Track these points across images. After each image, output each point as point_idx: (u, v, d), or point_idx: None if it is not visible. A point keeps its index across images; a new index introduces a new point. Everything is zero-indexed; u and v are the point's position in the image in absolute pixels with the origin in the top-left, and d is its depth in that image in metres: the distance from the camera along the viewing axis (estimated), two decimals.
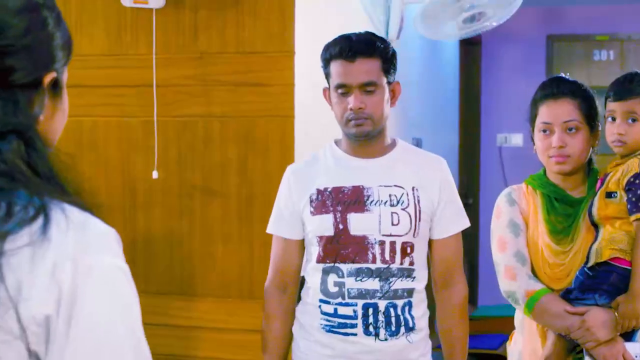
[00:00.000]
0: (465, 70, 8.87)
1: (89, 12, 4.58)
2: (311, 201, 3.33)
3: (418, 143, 6.36)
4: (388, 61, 3.29)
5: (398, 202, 3.28)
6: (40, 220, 1.36)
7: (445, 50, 8.16)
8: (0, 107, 1.40)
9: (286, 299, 3.46)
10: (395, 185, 3.31)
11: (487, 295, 8.85)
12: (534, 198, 3.39)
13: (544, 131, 3.32)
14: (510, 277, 3.32)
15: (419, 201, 3.30)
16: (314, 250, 3.34)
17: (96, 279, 1.37)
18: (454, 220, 3.41)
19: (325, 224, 3.29)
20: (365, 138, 3.30)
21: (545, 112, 3.32)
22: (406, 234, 3.27)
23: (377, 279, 3.24)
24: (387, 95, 3.29)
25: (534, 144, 3.41)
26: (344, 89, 3.26)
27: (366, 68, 3.24)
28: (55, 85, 1.51)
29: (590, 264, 3.17)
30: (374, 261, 3.25)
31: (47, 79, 1.49)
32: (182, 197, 4.50)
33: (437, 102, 7.75)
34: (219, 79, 4.41)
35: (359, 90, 3.24)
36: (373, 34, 3.36)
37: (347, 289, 3.26)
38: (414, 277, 3.30)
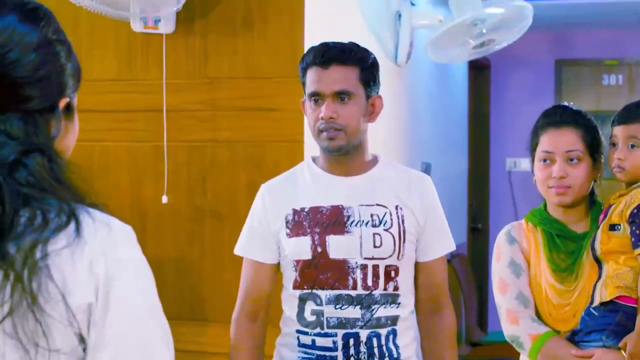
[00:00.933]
0: (474, 94, 8.88)
1: (99, 38, 4.61)
2: (287, 222, 3.09)
3: (427, 168, 6.36)
4: (367, 71, 3.07)
5: (380, 222, 3.05)
6: (72, 224, 1.59)
7: (455, 74, 8.18)
8: (24, 130, 1.62)
9: (256, 329, 3.20)
10: (378, 205, 3.07)
11: (497, 320, 8.82)
12: (534, 235, 3.25)
13: (545, 160, 3.21)
14: (512, 321, 3.19)
15: (403, 221, 3.07)
16: (290, 275, 3.10)
17: (124, 269, 1.65)
18: (440, 241, 3.19)
19: (302, 247, 3.04)
20: (340, 153, 3.06)
21: (547, 140, 3.21)
22: (390, 256, 3.04)
23: (358, 307, 3.00)
24: (364, 108, 3.06)
25: (533, 174, 3.29)
26: (317, 97, 3.05)
27: (340, 75, 3.03)
28: (68, 108, 1.73)
29: (595, 303, 3.04)
30: (354, 287, 3.00)
31: (62, 103, 1.71)
32: (192, 221, 4.50)
33: (446, 126, 7.75)
34: (229, 104, 4.42)
35: (332, 99, 3.02)
36: (355, 44, 3.14)
37: (326, 318, 3.02)
38: (399, 303, 3.07)
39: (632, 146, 3.13)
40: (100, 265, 1.61)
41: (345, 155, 3.09)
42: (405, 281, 3.10)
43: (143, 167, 4.56)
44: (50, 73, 1.67)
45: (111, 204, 4.78)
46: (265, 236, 3.15)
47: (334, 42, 3.11)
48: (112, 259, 1.63)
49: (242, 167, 4.41)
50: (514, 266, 3.24)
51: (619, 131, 3.18)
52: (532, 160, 3.29)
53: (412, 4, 5.54)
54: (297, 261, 3.06)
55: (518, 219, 3.40)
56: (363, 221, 3.04)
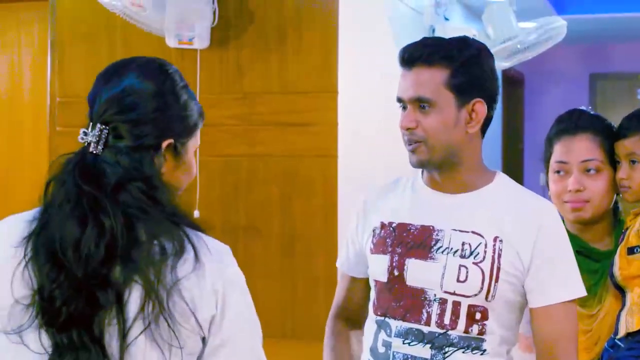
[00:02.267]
0: (508, 109, 8.86)
1: (134, 53, 4.59)
2: (373, 236, 2.67)
3: None
4: (460, 72, 2.52)
5: (471, 253, 2.52)
6: (190, 250, 1.93)
7: None
8: (131, 162, 1.96)
9: (346, 329, 2.89)
10: (473, 232, 2.54)
11: None
12: None
13: (558, 172, 2.87)
14: (525, 348, 2.79)
15: (499, 255, 2.51)
16: (372, 295, 2.70)
17: (234, 284, 2.03)
18: (556, 286, 2.53)
19: (380, 267, 2.62)
20: (429, 168, 2.62)
21: (561, 149, 2.86)
22: (475, 295, 2.50)
23: (428, 346, 2.53)
24: (452, 117, 2.53)
25: (548, 188, 2.96)
26: (401, 103, 2.59)
27: (420, 79, 2.53)
28: (175, 148, 2.04)
29: (620, 334, 2.68)
30: (427, 323, 2.53)
31: (165, 144, 2.01)
32: (225, 235, 4.49)
33: None
34: (263, 119, 4.43)
35: (412, 106, 2.54)
36: (462, 39, 2.62)
37: (393, 352, 2.58)
38: (484, 351, 2.52)
39: (633, 162, 2.81)
40: (219, 284, 1.98)
41: (440, 171, 2.60)
42: (498, 327, 2.53)
43: None
44: (159, 117, 2.01)
45: None
46: (356, 249, 2.77)
47: (430, 39, 2.65)
48: (226, 278, 2.00)
49: (276, 182, 4.41)
50: None
51: (618, 148, 2.85)
52: (547, 173, 2.98)
53: (446, 19, 5.53)
54: (376, 282, 2.66)
55: None
56: (452, 249, 2.55)
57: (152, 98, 2.02)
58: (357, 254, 2.76)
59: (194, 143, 2.12)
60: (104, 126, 1.97)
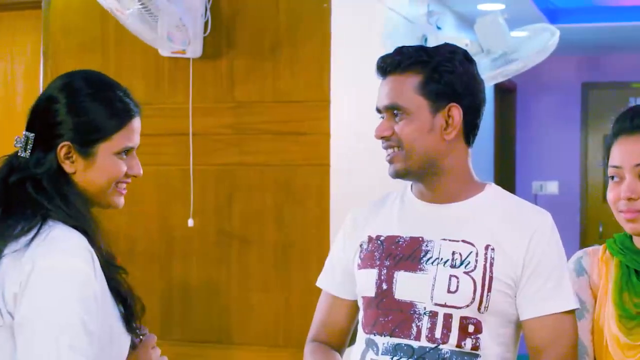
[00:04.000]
0: (500, 118, 8.87)
1: (127, 62, 4.63)
2: (361, 250, 2.57)
3: None
4: (434, 77, 2.46)
5: (462, 262, 2.42)
6: (32, 234, 2.10)
7: None
8: (30, 163, 2.21)
9: (324, 347, 2.69)
10: (464, 241, 2.44)
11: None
12: (608, 267, 2.52)
13: (613, 178, 2.47)
14: None
15: (491, 264, 2.40)
16: (360, 314, 2.58)
17: (47, 270, 2.06)
18: (549, 295, 2.41)
19: (368, 282, 2.50)
20: (408, 178, 2.53)
21: (616, 152, 2.47)
22: (467, 306, 2.38)
23: None
24: (428, 123, 2.45)
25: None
26: (380, 114, 2.54)
27: (393, 87, 2.48)
28: (79, 151, 2.21)
29: None
30: (417, 337, 2.40)
31: (59, 147, 2.20)
32: (219, 245, 4.51)
33: (472, 150, 7.74)
34: (256, 128, 4.43)
35: (388, 114, 2.49)
36: (437, 45, 2.57)
37: None
38: None
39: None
40: (29, 266, 2.06)
41: (424, 182, 2.53)
42: (493, 342, 2.42)
43: (170, 190, 4.58)
44: (50, 124, 2.22)
45: (138, 226, 4.83)
46: (343, 268, 2.64)
47: (410, 46, 2.54)
48: (42, 263, 2.07)
49: (269, 191, 4.41)
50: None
51: None
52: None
53: (438, 28, 5.55)
54: (364, 298, 2.53)
55: None
56: (442, 259, 2.44)
57: (48, 107, 2.23)
58: (343, 273, 2.63)
59: (111, 146, 2.26)
60: (26, 132, 2.25)
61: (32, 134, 2.23)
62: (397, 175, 2.49)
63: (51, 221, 2.14)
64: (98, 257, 2.15)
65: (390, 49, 2.60)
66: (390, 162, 2.49)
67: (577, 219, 8.96)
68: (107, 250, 2.25)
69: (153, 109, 4.59)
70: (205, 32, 4.43)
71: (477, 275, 2.40)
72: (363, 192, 3.48)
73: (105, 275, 2.17)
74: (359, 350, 2.51)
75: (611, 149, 2.49)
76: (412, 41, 5.17)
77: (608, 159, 2.50)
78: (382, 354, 2.43)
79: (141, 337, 2.33)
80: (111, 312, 2.17)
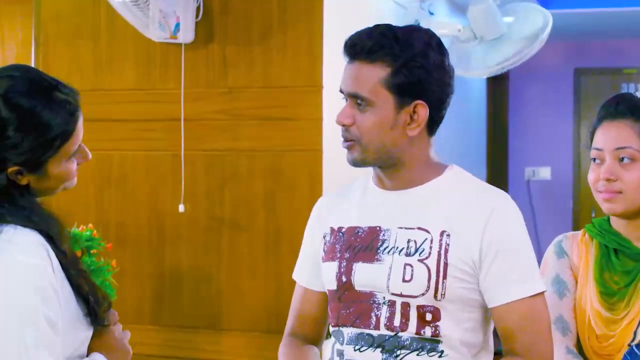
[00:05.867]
0: (492, 105, 8.87)
1: (119, 48, 4.62)
2: (325, 243, 2.53)
3: None
4: (402, 72, 2.33)
5: (416, 250, 2.35)
6: None
7: (473, 85, 8.17)
8: None
9: (300, 342, 2.65)
10: (419, 228, 2.37)
11: None
12: (588, 249, 2.65)
13: (594, 160, 2.59)
14: None
15: (446, 250, 2.33)
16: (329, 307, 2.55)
17: None
18: (514, 281, 2.33)
19: (329, 275, 2.47)
20: (365, 166, 2.45)
21: (599, 135, 2.59)
22: (422, 294, 2.32)
23: (378, 350, 2.37)
24: (390, 119, 2.35)
25: None
26: (343, 95, 2.43)
27: (359, 75, 2.36)
28: (30, 171, 2.13)
29: (636, 340, 2.49)
30: (376, 327, 2.37)
31: (9, 170, 2.11)
32: (210, 231, 4.51)
33: (464, 137, 7.74)
34: (247, 114, 4.43)
35: (351, 101, 2.38)
36: (409, 31, 2.42)
37: None
38: (441, 353, 2.35)
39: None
40: None
41: (382, 169, 2.45)
42: (455, 328, 2.36)
43: (161, 176, 4.57)
44: None
45: (129, 212, 4.83)
46: (312, 258, 2.59)
47: (375, 28, 2.41)
48: None
49: (260, 177, 4.41)
50: (558, 284, 2.64)
51: None
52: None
53: (431, 13, 5.53)
54: (328, 291, 2.50)
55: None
56: (397, 248, 2.38)
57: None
58: (312, 265, 2.58)
59: (61, 157, 2.17)
60: None
61: None
62: (355, 164, 2.41)
63: (6, 225, 2.08)
64: (60, 258, 2.10)
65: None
66: (349, 150, 2.40)
67: (570, 205, 8.96)
68: (71, 253, 2.18)
69: (145, 94, 4.59)
70: (197, 17, 4.42)
71: (432, 262, 2.32)
72: (355, 178, 3.46)
73: (67, 276, 2.12)
74: (329, 343, 2.51)
75: (595, 132, 2.60)
76: None
77: (591, 142, 2.61)
78: (346, 344, 2.41)
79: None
80: (71, 302, 2.14)
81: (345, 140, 2.40)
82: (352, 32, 2.45)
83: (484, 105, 8.65)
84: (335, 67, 4.38)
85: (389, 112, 2.34)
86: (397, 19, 5.18)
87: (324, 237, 2.52)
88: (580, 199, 9.00)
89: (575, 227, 8.64)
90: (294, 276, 2.69)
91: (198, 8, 4.42)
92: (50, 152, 2.14)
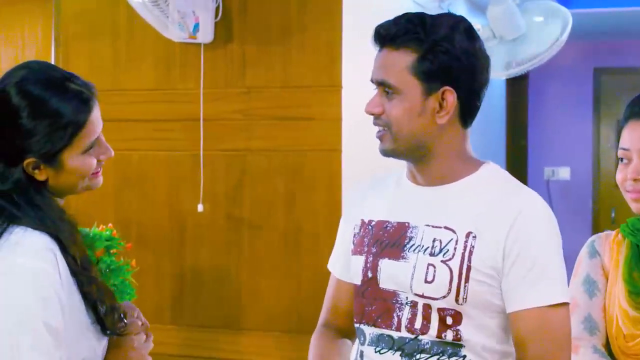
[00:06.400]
0: (512, 105, 8.85)
1: (138, 48, 4.63)
2: (354, 235, 2.47)
3: None
4: (429, 57, 2.27)
5: (440, 250, 2.27)
6: None
7: (493, 85, 8.14)
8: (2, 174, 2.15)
9: (333, 334, 2.58)
10: (446, 227, 2.29)
11: None
12: (619, 248, 2.59)
13: (622, 160, 2.54)
14: (573, 349, 2.34)
15: (470, 253, 2.24)
16: None
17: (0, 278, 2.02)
18: (535, 288, 2.22)
19: (356, 269, 2.41)
20: (396, 157, 2.38)
21: (625, 135, 2.54)
22: (443, 297, 2.25)
23: (398, 353, 2.30)
24: (418, 106, 2.29)
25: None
26: (373, 84, 2.38)
27: (386, 63, 2.32)
28: (46, 163, 2.15)
29: None
30: (398, 328, 2.30)
31: (25, 163, 2.13)
32: (229, 231, 4.51)
33: (484, 136, 7.72)
34: (267, 113, 4.43)
35: (379, 90, 2.34)
36: (437, 17, 2.36)
37: None
38: (464, 357, 2.26)
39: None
40: None
41: (414, 162, 2.39)
42: (477, 333, 2.27)
43: (180, 175, 4.58)
44: (5, 139, 2.14)
45: (148, 212, 4.84)
46: (346, 248, 2.52)
47: (408, 14, 2.37)
48: None
49: (279, 176, 4.41)
50: (589, 284, 2.59)
51: None
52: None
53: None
54: (354, 285, 2.44)
55: None
56: (423, 246, 2.30)
57: (8, 120, 2.14)
58: (345, 256, 2.51)
59: (76, 149, 2.18)
60: None
61: None
62: (385, 154, 2.36)
63: (17, 227, 2.10)
64: (70, 263, 2.10)
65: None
66: (380, 140, 2.35)
67: (590, 205, 8.94)
68: (83, 258, 2.17)
69: (164, 94, 4.60)
70: (216, 17, 4.43)
71: (454, 264, 2.24)
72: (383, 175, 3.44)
73: (76, 281, 2.11)
74: (357, 340, 2.45)
75: (622, 132, 2.55)
76: None
77: (619, 141, 2.55)
78: (368, 345, 2.36)
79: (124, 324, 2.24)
80: (79, 309, 2.12)
81: (378, 129, 2.35)
82: (371, 30, 2.43)
83: (503, 104, 8.63)
84: (354, 66, 4.39)
85: (416, 99, 2.28)
86: None
87: (354, 228, 2.47)
88: (599, 199, 8.96)
89: (595, 228, 8.61)
90: (329, 266, 2.61)
91: (217, 8, 4.42)
92: (64, 142, 2.15)
